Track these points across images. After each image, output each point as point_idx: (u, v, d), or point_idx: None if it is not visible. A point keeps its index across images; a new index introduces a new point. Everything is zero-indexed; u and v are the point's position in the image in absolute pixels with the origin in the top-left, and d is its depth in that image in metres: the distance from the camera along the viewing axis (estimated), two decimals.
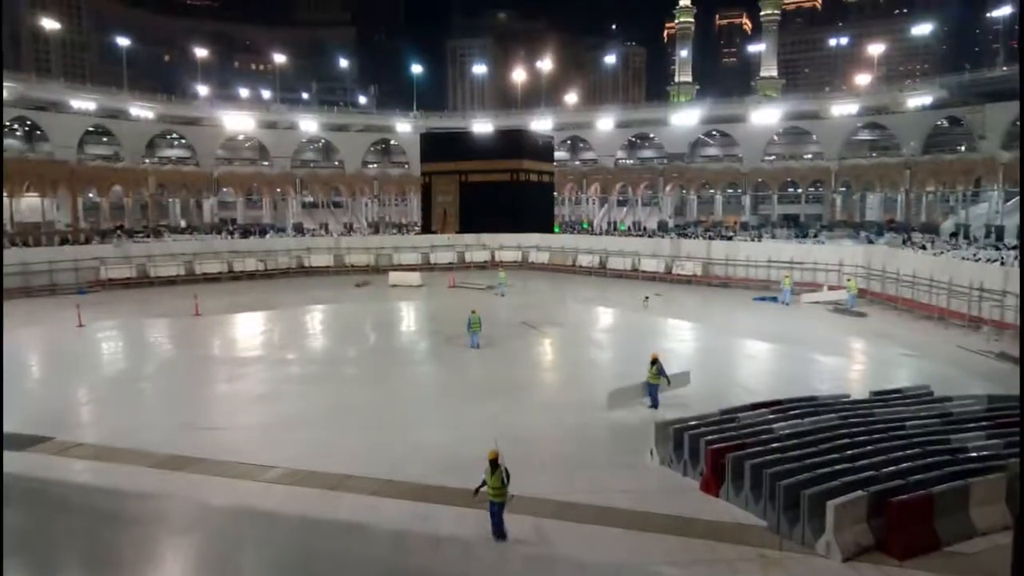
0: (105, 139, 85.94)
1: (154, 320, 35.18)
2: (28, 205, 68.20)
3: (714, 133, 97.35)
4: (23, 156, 76.45)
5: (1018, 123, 63.79)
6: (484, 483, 11.93)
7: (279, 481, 14.39)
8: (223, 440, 17.12)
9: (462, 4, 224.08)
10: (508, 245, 59.09)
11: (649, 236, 63.29)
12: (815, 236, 60.81)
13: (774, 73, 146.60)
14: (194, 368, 25.12)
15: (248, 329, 34.31)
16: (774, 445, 13.86)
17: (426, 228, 66.38)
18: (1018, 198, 56.06)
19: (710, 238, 56.36)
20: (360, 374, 24.52)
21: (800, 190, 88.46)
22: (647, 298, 38.69)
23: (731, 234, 64.18)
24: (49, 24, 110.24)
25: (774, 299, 39.69)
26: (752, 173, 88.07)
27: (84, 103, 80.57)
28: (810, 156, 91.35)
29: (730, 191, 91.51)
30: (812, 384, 21.52)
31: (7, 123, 76.45)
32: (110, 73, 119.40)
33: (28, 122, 78.68)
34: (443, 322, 33.48)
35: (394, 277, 48.43)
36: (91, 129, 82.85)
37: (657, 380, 19.02)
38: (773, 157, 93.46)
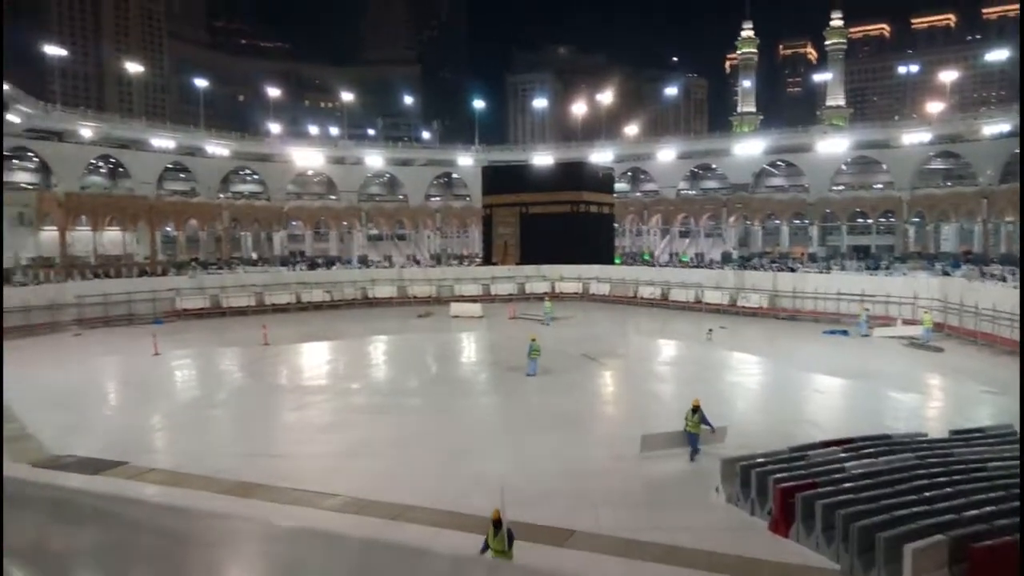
0: (182, 175, 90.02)
1: (225, 349, 36.30)
2: (110, 239, 71.65)
3: (779, 163, 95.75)
4: (107, 191, 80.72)
5: None
6: (487, 546, 10.93)
7: (342, 509, 14.54)
8: (289, 468, 17.43)
9: (523, 41, 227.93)
10: (568, 276, 59.02)
11: (712, 267, 62.31)
12: (887, 268, 58.79)
13: (841, 102, 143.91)
14: (262, 396, 25.76)
15: (314, 359, 35.04)
16: (847, 485, 13.32)
17: (487, 259, 66.95)
18: None
19: (776, 269, 55.12)
20: (423, 404, 24.69)
21: (870, 221, 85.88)
22: (711, 331, 37.97)
23: (798, 265, 62.63)
24: (133, 67, 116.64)
25: (844, 332, 38.44)
26: (819, 203, 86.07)
27: (164, 141, 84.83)
28: (880, 186, 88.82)
29: (796, 222, 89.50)
30: (886, 422, 20.65)
31: (93, 161, 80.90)
32: (188, 112, 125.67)
33: (112, 160, 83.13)
34: (504, 353, 33.53)
35: (455, 308, 48.90)
36: (169, 166, 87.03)
37: (698, 429, 17.79)
38: (841, 187, 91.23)
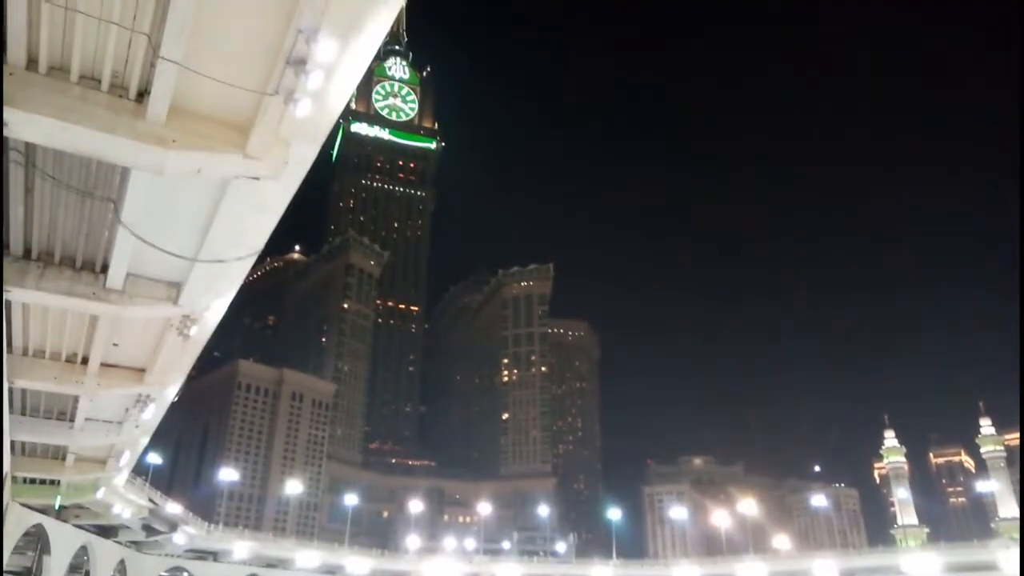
0: None
1: None
2: None
3: None
4: None
5: None
6: None
7: None
8: None
9: (658, 453, 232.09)
10: None
11: None
12: None
13: (1015, 513, 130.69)
14: None
15: None
16: None
17: None
18: None
19: None
20: None
21: None
22: None
23: None
24: (292, 487, 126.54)
25: None
26: None
27: (308, 560, 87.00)
28: None
29: None
30: None
31: None
32: (335, 530, 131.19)
33: None
34: None
35: None
36: None
37: None
38: None
